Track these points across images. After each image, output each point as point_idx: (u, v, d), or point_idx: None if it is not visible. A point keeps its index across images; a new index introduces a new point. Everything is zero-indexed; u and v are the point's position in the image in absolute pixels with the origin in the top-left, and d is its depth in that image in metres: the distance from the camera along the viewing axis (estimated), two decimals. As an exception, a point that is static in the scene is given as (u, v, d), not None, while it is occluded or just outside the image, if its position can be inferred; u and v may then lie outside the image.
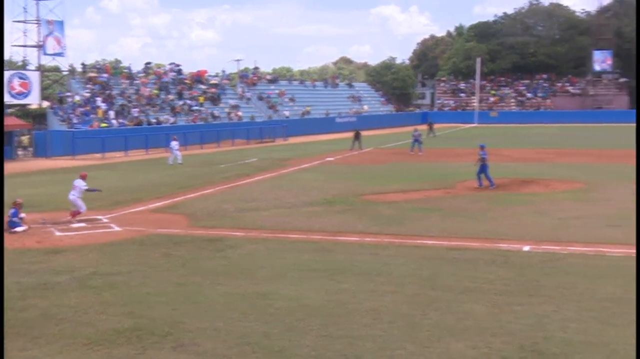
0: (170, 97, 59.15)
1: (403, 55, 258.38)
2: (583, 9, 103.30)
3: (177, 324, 10.27)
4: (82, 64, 63.33)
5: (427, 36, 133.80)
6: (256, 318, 10.49)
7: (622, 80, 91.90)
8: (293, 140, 56.44)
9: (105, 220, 19.63)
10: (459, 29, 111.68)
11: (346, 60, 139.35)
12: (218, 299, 11.60)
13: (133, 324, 10.25)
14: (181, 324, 10.27)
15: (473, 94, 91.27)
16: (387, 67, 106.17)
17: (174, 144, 38.09)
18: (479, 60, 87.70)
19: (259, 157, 40.87)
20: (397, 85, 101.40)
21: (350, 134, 47.58)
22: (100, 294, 11.99)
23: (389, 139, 55.71)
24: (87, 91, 53.45)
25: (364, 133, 48.41)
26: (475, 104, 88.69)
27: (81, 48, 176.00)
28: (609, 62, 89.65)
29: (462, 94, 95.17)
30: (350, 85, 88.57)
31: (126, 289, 12.32)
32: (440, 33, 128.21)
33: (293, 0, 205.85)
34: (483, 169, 25.38)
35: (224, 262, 14.43)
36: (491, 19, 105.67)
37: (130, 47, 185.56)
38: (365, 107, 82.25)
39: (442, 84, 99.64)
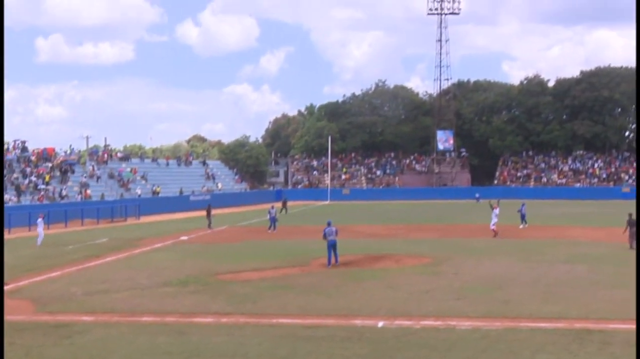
0: (14, 175, 56.39)
1: (256, 133, 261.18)
2: (425, 92, 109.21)
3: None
4: None
5: (279, 115, 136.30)
6: (107, 408, 9.97)
7: (464, 155, 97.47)
8: (146, 219, 54.98)
9: (-62, 308, 18.04)
10: (310, 109, 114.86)
11: (199, 138, 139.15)
12: (65, 389, 10.94)
13: None
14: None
15: (325, 171, 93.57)
16: (241, 145, 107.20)
17: (39, 221, 35.55)
18: (329, 138, 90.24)
19: (110, 237, 39.43)
20: (251, 163, 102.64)
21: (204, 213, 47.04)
22: None
23: (244, 217, 55.54)
24: None
25: (218, 211, 48.04)
26: (327, 182, 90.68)
27: None
28: (451, 141, 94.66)
29: (315, 172, 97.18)
30: (204, 163, 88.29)
31: (-38, 384, 11.32)
32: (292, 112, 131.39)
33: (144, 77, 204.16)
34: (329, 245, 25.36)
35: (72, 349, 13.69)
36: (340, 99, 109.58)
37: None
38: (220, 185, 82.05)
39: (295, 162, 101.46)
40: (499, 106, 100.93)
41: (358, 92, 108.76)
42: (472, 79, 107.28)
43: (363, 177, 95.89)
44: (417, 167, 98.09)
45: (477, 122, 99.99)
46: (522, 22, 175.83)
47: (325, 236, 25.44)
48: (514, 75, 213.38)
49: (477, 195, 76.67)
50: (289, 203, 65.11)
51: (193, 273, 23.95)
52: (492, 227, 35.76)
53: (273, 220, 42.16)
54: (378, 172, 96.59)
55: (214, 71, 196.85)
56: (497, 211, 36.00)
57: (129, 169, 71.09)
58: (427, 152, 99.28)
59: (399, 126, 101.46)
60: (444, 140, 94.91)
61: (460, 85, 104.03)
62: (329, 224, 25.71)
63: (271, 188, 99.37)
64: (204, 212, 46.91)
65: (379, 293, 19.45)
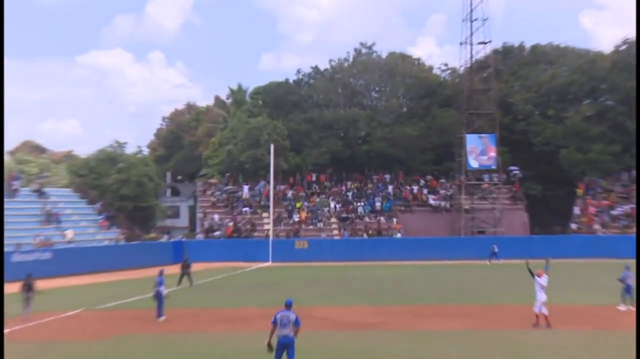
0: None
1: (139, 138, 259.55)
2: (445, 65, 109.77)
3: None
4: None
5: (180, 106, 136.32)
6: None
7: (515, 176, 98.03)
8: None
9: None
10: (237, 94, 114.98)
11: (34, 147, 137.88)
12: None
13: None
14: None
15: (265, 208, 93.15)
16: (110, 159, 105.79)
17: None
18: (272, 148, 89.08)
19: None
20: (130, 193, 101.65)
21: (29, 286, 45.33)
22: None
23: (114, 293, 54.71)
24: None
25: (63, 281, 47.03)
26: (268, 227, 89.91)
27: None
28: (493, 153, 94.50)
29: (245, 209, 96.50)
30: (41, 193, 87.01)
31: None
32: (205, 100, 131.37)
33: None
34: (280, 345, 25.22)
35: None
36: (292, 77, 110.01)
37: None
38: (69, 233, 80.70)
39: (210, 191, 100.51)
40: (578, 91, 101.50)
41: (324, 66, 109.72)
42: (528, 44, 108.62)
43: (333, 219, 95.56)
44: (432, 199, 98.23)
45: (539, 119, 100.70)
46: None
47: (275, 326, 25.29)
48: (603, 36, 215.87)
49: (494, 249, 78.06)
50: (196, 266, 64.80)
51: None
52: (537, 309, 36.21)
53: (162, 298, 41.68)
54: (360, 209, 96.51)
55: (62, 28, 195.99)
56: (543, 280, 36.60)
57: None
58: (448, 172, 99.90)
59: (399, 125, 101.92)
60: (480, 151, 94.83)
61: (507, 55, 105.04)
62: (287, 306, 25.68)
63: (165, 238, 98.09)
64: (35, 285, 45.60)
65: None
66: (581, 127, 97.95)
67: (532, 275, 36.59)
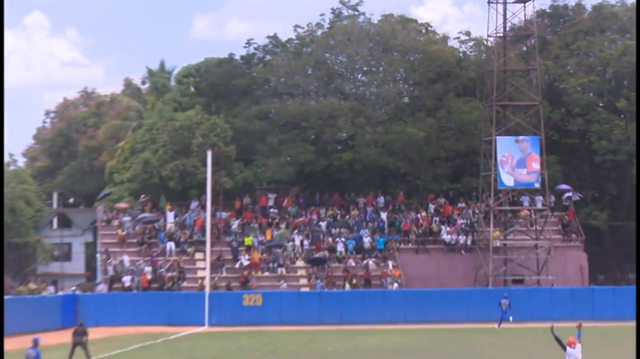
0: None
1: (10, 143, 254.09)
2: (465, 33, 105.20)
3: None
4: None
5: (73, 94, 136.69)
6: None
7: (569, 199, 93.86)
8: None
9: None
10: (158, 77, 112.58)
11: None
12: None
13: None
14: None
15: (199, 245, 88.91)
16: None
17: None
18: (209, 157, 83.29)
19: None
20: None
21: None
22: None
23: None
24: None
25: None
26: (203, 273, 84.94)
27: None
28: (537, 164, 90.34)
29: (169, 247, 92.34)
30: None
31: None
32: (110, 85, 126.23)
33: None
34: None
35: None
36: (239, 52, 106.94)
37: None
38: None
39: (117, 221, 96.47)
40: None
41: (287, 35, 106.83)
42: (588, 3, 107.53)
43: (300, 262, 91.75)
44: (446, 233, 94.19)
45: (604, 113, 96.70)
46: None
47: None
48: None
49: (505, 304, 75.37)
50: (96, 333, 61.53)
51: None
52: None
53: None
54: (340, 247, 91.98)
55: None
56: (577, 351, 35.86)
57: None
58: (470, 193, 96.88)
59: (397, 122, 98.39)
60: (517, 161, 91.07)
61: (557, 19, 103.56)
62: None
63: (50, 291, 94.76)
64: None
65: None
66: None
67: (562, 346, 36.09)
